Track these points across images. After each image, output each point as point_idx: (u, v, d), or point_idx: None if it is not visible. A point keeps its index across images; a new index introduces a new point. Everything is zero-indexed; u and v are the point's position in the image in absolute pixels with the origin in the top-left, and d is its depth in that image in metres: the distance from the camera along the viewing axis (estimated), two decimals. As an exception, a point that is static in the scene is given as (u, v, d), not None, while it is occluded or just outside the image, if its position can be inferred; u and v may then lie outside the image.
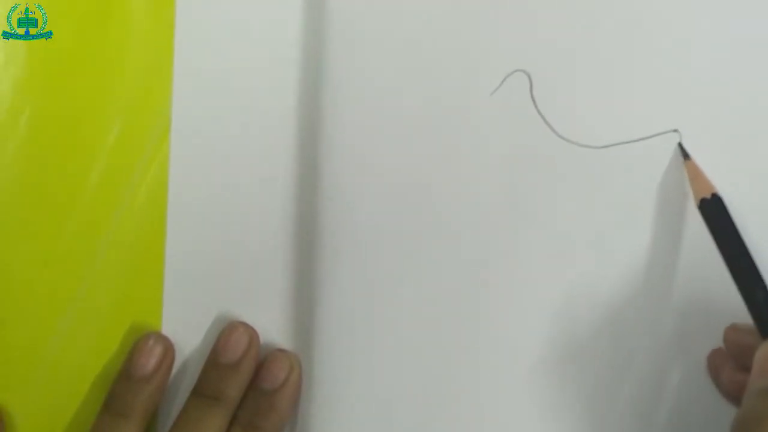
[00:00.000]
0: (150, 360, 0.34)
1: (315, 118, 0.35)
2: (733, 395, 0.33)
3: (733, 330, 0.33)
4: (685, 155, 0.34)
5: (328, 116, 0.35)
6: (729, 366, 0.33)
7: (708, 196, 0.33)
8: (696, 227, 0.34)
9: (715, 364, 0.34)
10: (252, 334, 0.35)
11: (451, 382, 0.35)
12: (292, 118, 0.36)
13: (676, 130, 0.35)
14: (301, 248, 0.36)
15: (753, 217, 0.34)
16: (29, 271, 0.35)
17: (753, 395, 0.28)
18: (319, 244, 0.35)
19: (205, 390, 0.34)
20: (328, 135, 0.35)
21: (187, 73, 0.36)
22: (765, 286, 0.31)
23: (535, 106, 0.35)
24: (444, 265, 0.35)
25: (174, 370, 0.35)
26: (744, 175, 0.35)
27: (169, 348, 0.35)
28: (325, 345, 0.35)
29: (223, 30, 0.36)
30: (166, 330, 0.36)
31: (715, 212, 0.33)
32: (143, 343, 0.35)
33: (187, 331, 0.36)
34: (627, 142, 0.35)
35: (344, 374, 0.35)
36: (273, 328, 0.36)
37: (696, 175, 0.34)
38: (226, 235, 0.36)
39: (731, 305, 0.32)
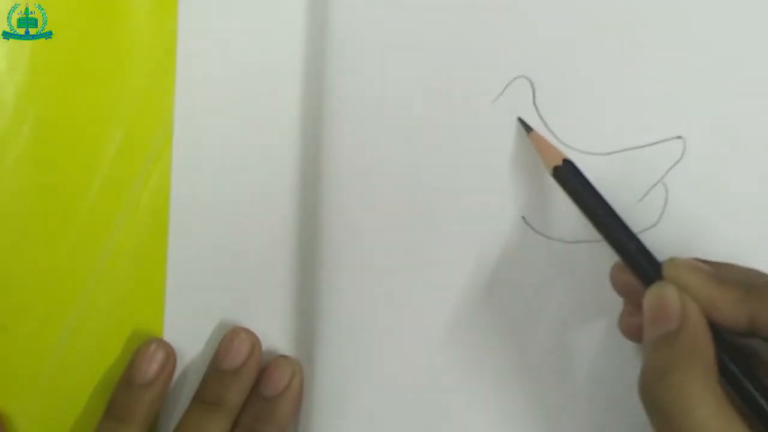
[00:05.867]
0: (151, 366, 0.34)
1: (317, 126, 0.35)
2: (635, 338, 0.32)
3: (619, 270, 0.32)
4: (527, 128, 0.34)
5: (330, 124, 0.35)
6: (624, 311, 0.32)
7: (559, 163, 0.33)
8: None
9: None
10: (254, 340, 0.35)
11: (452, 388, 0.35)
12: (294, 125, 0.36)
13: (680, 137, 0.35)
14: (303, 255, 0.36)
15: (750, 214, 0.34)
16: (31, 278, 0.36)
17: (649, 348, 0.28)
18: (321, 251, 0.35)
19: (206, 396, 0.34)
20: (330, 142, 0.35)
21: (189, 79, 0.36)
22: (635, 237, 0.31)
23: (538, 113, 0.35)
24: (446, 272, 0.35)
25: (175, 376, 0.36)
26: (748, 177, 0.35)
27: (170, 354, 0.35)
28: (327, 351, 0.35)
29: (226, 36, 0.36)
30: (168, 336, 0.36)
31: (570, 177, 0.32)
32: (145, 349, 0.35)
33: (188, 337, 0.36)
34: (630, 149, 0.35)
35: (345, 381, 0.35)
36: (275, 334, 0.36)
37: (543, 146, 0.33)
38: (227, 242, 0.36)
39: None
